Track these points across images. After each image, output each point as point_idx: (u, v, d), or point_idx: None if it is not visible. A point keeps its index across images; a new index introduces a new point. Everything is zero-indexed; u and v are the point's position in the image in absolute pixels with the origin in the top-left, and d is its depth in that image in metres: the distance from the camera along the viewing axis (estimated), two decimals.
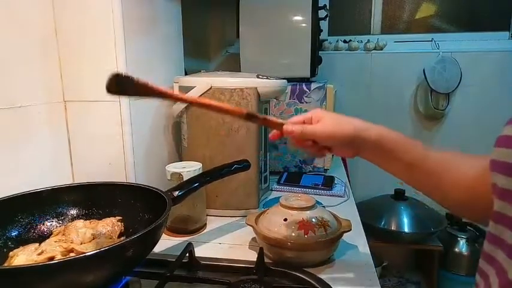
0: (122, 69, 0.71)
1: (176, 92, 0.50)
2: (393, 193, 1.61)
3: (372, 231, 1.47)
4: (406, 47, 1.80)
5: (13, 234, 0.56)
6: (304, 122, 0.53)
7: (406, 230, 1.49)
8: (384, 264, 1.59)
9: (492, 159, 0.36)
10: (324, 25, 1.54)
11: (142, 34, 0.78)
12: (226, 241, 0.71)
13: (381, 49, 1.77)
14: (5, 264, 0.49)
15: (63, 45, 0.71)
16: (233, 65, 1.34)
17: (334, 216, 0.67)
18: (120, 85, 0.47)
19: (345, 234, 0.63)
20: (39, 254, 0.49)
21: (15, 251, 0.51)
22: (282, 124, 0.53)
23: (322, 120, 0.51)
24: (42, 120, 0.69)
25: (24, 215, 0.59)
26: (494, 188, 0.35)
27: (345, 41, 1.81)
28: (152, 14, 0.83)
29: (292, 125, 0.52)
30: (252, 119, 0.54)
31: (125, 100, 0.72)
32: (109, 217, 0.61)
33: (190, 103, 0.55)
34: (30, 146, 0.67)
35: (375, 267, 0.62)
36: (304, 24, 1.13)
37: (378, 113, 1.76)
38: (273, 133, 0.56)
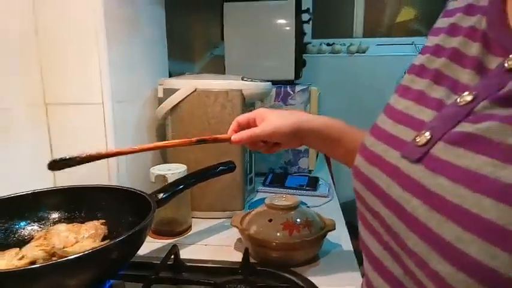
0: (105, 71, 0.70)
1: (114, 150, 0.52)
2: None
3: (356, 230, 1.49)
4: (388, 50, 1.84)
5: None
6: (248, 122, 0.58)
7: None
8: None
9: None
10: (308, 28, 1.56)
11: (125, 36, 0.78)
12: (211, 242, 0.71)
13: (363, 52, 1.80)
14: None
15: (43, 46, 0.70)
16: (218, 67, 1.34)
17: (318, 215, 0.68)
18: (62, 165, 0.47)
19: (329, 233, 0.64)
20: (20, 259, 0.48)
21: None
22: (229, 137, 0.57)
23: (267, 119, 0.55)
24: (22, 123, 0.68)
25: (3, 220, 0.57)
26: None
27: (328, 44, 1.83)
28: (135, 15, 0.83)
29: (239, 134, 0.56)
30: (202, 142, 0.57)
31: (108, 103, 0.71)
32: (92, 220, 0.60)
33: (137, 152, 0.56)
34: (10, 149, 0.65)
35: (359, 265, 0.63)
36: (288, 28, 1.14)
37: (362, 114, 1.76)
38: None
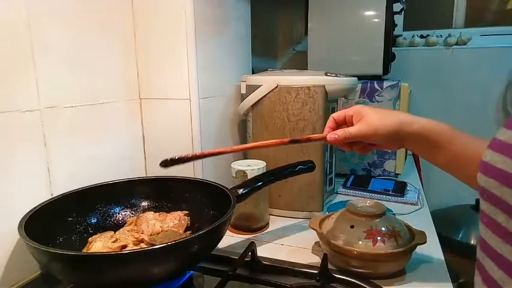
0: (193, 69, 0.73)
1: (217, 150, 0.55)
2: (474, 203, 1.45)
3: (448, 244, 1.34)
4: (495, 41, 1.61)
5: (93, 221, 0.61)
6: (345, 119, 0.54)
7: None
8: (461, 280, 1.45)
9: (484, 162, 0.34)
10: (399, 19, 1.45)
11: (213, 34, 0.80)
12: (288, 243, 0.69)
13: (464, 44, 1.60)
14: (84, 250, 0.54)
15: (140, 47, 0.76)
16: (300, 63, 1.31)
17: (407, 226, 0.62)
18: (172, 163, 0.52)
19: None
20: (113, 242, 0.52)
21: (93, 237, 0.56)
22: (325, 136, 0.54)
23: (365, 119, 0.51)
24: (120, 116, 0.74)
25: (102, 204, 0.63)
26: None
27: (421, 36, 1.68)
28: (222, 13, 0.85)
29: (334, 134, 0.52)
30: (295, 142, 0.55)
31: (194, 99, 0.74)
32: (176, 211, 0.63)
33: (236, 151, 0.58)
34: (110, 139, 0.72)
35: (452, 282, 0.56)
36: (377, 19, 1.06)
37: (458, 114, 1.60)
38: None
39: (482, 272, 0.34)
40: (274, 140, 0.55)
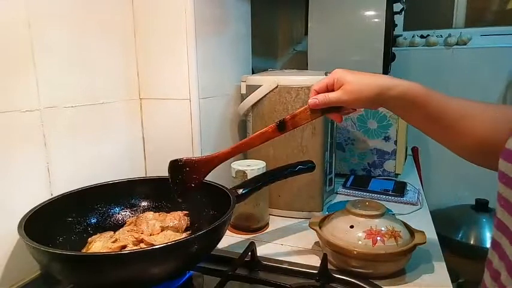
0: (193, 69, 0.73)
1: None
2: (474, 203, 1.46)
3: (448, 244, 1.34)
4: (495, 41, 1.61)
5: (92, 221, 0.61)
6: (327, 88, 0.54)
7: (488, 245, 1.33)
8: (460, 280, 1.45)
9: (507, 149, 0.37)
10: (399, 19, 1.45)
11: (213, 34, 0.80)
12: (288, 242, 0.69)
13: (464, 44, 1.60)
14: (84, 250, 0.54)
15: (140, 46, 0.76)
16: (300, 63, 1.31)
17: (406, 226, 0.62)
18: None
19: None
20: (113, 242, 0.52)
21: (93, 237, 0.56)
22: (308, 106, 0.55)
23: (345, 86, 0.52)
24: (120, 116, 0.74)
25: (102, 204, 0.63)
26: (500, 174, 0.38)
27: (422, 36, 1.68)
28: (223, 13, 0.85)
29: (316, 97, 0.54)
30: (283, 125, 0.56)
31: (194, 99, 0.74)
32: (176, 211, 0.63)
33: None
34: (110, 139, 0.72)
35: (451, 282, 0.56)
36: (377, 19, 1.06)
37: None
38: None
39: (499, 250, 0.36)
40: (263, 129, 0.56)
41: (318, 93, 0.55)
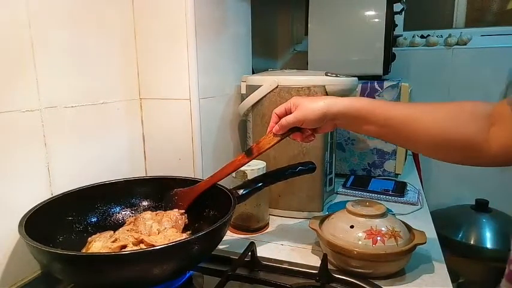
0: (193, 70, 0.73)
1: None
2: (474, 203, 1.45)
3: (448, 244, 1.34)
4: (495, 41, 1.61)
5: (93, 220, 0.61)
6: (285, 112, 0.60)
7: (488, 245, 1.33)
8: (460, 280, 1.45)
9: None
10: (399, 19, 1.44)
11: (213, 34, 0.80)
12: (288, 243, 0.69)
13: (465, 44, 1.60)
14: (84, 249, 0.54)
15: (140, 47, 0.76)
16: (300, 63, 1.31)
17: (407, 226, 0.62)
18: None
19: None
20: (113, 242, 0.52)
21: (93, 236, 0.56)
22: (271, 132, 0.61)
23: (299, 107, 0.58)
24: (120, 116, 0.74)
25: (102, 203, 0.63)
26: None
27: (422, 36, 1.67)
28: (223, 14, 0.85)
29: (277, 124, 0.60)
30: (250, 151, 0.61)
31: (194, 99, 0.74)
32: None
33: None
34: (110, 139, 0.72)
35: (452, 283, 0.56)
36: (377, 19, 1.06)
37: None
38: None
39: None
40: (233, 161, 0.62)
41: (279, 116, 0.61)
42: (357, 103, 0.56)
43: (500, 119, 0.48)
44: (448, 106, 0.53)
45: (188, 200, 0.63)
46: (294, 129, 0.60)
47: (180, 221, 0.60)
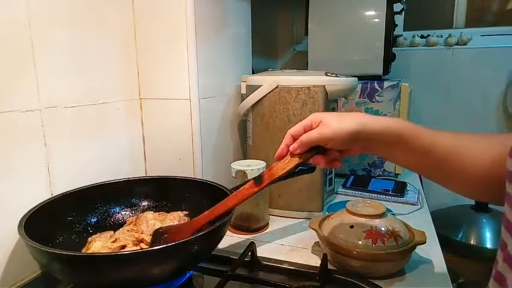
0: (193, 70, 0.73)
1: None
2: (474, 204, 1.46)
3: (448, 244, 1.34)
4: (495, 41, 1.61)
5: (92, 220, 0.61)
6: (304, 129, 0.50)
7: (488, 245, 1.33)
8: (460, 281, 1.45)
9: None
10: (399, 19, 1.44)
11: (213, 34, 0.80)
12: (288, 243, 0.69)
13: (465, 44, 1.60)
14: (84, 249, 0.54)
15: (140, 47, 0.76)
16: (300, 63, 1.31)
17: (406, 226, 0.62)
18: None
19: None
20: (113, 242, 0.52)
21: (93, 237, 0.56)
22: (281, 157, 0.51)
23: (323, 122, 0.48)
24: (120, 116, 0.74)
25: (102, 203, 0.63)
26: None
27: (422, 36, 1.67)
28: (223, 13, 0.85)
29: (296, 142, 0.50)
30: (260, 178, 0.52)
31: (194, 99, 0.74)
32: (176, 211, 0.63)
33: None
34: (110, 139, 0.72)
35: (451, 283, 0.56)
36: (377, 19, 1.06)
37: (458, 114, 1.60)
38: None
39: (504, 251, 0.34)
40: (245, 188, 0.54)
41: (294, 138, 0.50)
42: (395, 124, 0.47)
43: None
44: (488, 137, 0.46)
45: (188, 233, 0.52)
46: (315, 151, 0.50)
47: (182, 222, 0.60)
